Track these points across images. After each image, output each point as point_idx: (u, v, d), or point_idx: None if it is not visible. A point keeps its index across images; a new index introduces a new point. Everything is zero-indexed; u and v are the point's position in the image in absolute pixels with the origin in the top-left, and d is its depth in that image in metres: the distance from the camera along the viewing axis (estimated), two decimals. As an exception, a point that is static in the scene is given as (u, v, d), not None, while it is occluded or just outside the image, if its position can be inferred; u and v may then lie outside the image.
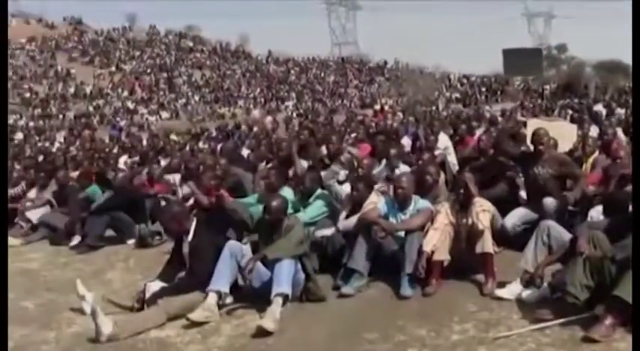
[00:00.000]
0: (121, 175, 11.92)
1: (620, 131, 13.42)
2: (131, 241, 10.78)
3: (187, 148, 18.48)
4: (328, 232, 8.18)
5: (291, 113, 47.79)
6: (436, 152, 11.65)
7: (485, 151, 10.32)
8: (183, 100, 57.40)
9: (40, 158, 20.07)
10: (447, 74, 64.73)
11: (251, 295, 7.19)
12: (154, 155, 15.83)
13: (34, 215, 12.43)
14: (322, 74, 69.42)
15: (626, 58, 64.90)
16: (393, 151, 10.74)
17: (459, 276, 7.34)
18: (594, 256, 5.92)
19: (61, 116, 50.57)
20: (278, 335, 6.40)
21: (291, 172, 10.56)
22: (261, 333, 6.38)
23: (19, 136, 38.68)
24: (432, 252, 7.12)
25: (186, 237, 7.31)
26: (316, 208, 8.52)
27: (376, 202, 7.83)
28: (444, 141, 12.32)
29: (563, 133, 11.31)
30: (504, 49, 68.25)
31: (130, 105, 54.72)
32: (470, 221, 7.20)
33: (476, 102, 46.19)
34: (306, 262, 7.27)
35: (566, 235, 6.72)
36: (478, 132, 14.63)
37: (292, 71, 70.02)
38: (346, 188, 8.90)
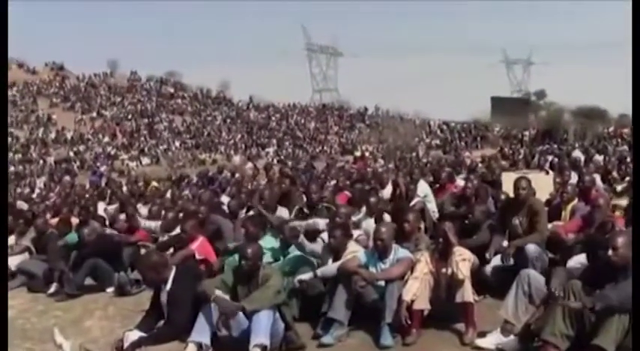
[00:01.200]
0: (99, 224, 11.82)
1: (598, 178, 13.53)
2: (110, 290, 10.66)
3: (168, 194, 18.42)
4: (307, 277, 8.13)
5: (272, 159, 47.83)
6: (415, 199, 11.70)
7: (469, 199, 10.36)
8: (164, 146, 57.35)
9: (20, 204, 19.95)
10: (427, 121, 65.02)
11: (230, 345, 7.13)
12: (134, 202, 15.78)
13: (12, 262, 12.29)
14: (303, 121, 69.54)
15: (604, 103, 65.79)
16: (372, 199, 10.79)
17: (439, 325, 7.32)
18: (572, 307, 5.92)
19: (41, 161, 50.40)
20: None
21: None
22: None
23: (-1, 181, 38.41)
24: (412, 301, 7.12)
25: (164, 286, 7.27)
26: (296, 256, 8.47)
27: (356, 252, 7.83)
28: (423, 188, 12.36)
29: (539, 184, 11.38)
30: (493, 97, 68.97)
31: (111, 151, 54.64)
32: (450, 270, 7.20)
33: (456, 148, 46.40)
34: (285, 311, 7.24)
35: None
36: (458, 179, 14.71)
37: (273, 117, 70.12)
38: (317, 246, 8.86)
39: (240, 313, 6.99)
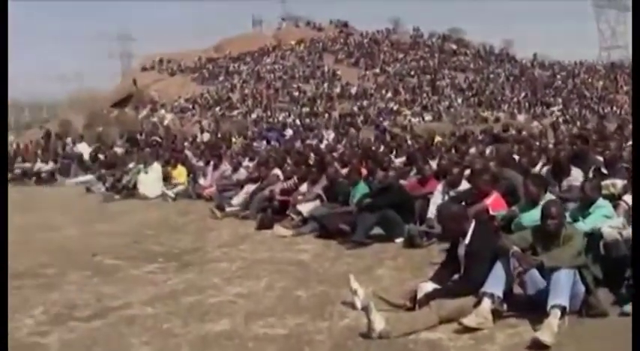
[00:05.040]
0: (392, 174, 11.96)
1: None
2: (399, 240, 10.76)
3: (453, 150, 18.31)
4: (612, 235, 7.60)
5: (557, 119, 46.32)
6: None
7: None
8: (447, 103, 57.35)
9: (310, 155, 20.73)
10: None
11: (525, 304, 6.92)
12: (422, 156, 15.84)
13: (304, 208, 12.79)
14: (590, 79, 66.84)
15: None
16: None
17: None
18: None
19: (326, 115, 52.11)
20: (555, 350, 6.08)
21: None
22: (537, 345, 6.10)
23: (289, 132, 40.24)
24: None
25: (462, 239, 7.17)
26: (597, 217, 8.02)
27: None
28: None
29: None
30: None
31: (394, 106, 55.41)
32: None
33: None
34: (586, 274, 6.88)
35: None
36: None
37: (558, 76, 68.01)
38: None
39: (537, 273, 6.76)
